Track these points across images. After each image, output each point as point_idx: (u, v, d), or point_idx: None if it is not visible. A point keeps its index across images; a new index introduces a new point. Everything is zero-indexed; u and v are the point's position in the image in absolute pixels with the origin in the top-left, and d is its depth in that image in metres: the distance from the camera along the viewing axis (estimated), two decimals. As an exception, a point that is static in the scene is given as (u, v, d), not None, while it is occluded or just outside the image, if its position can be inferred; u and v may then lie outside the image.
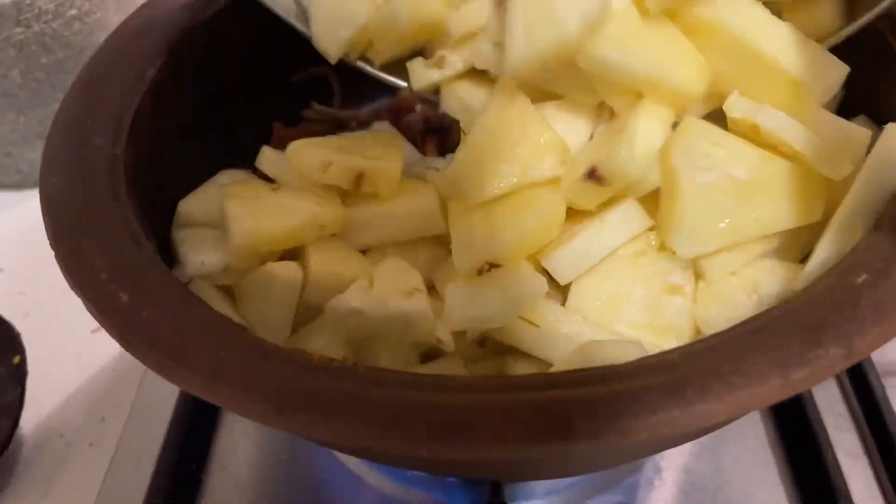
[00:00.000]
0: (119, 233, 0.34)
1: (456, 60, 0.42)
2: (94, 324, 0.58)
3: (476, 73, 0.42)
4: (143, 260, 0.33)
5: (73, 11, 0.64)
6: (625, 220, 0.35)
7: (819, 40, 0.37)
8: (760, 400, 0.25)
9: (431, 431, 0.25)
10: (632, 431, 0.25)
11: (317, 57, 0.49)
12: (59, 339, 0.58)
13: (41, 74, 0.65)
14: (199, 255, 0.39)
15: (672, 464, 0.48)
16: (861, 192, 0.32)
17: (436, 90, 0.44)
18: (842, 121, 0.35)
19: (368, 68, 0.45)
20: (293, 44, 0.47)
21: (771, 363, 0.26)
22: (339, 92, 0.58)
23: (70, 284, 0.32)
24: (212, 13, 0.47)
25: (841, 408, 0.50)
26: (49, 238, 0.34)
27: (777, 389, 0.25)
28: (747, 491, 0.47)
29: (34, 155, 0.71)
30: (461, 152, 0.36)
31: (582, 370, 0.27)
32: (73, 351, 0.58)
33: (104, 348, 0.58)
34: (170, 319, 0.30)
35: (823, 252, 0.32)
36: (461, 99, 0.41)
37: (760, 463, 0.48)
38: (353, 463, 0.50)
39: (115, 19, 0.70)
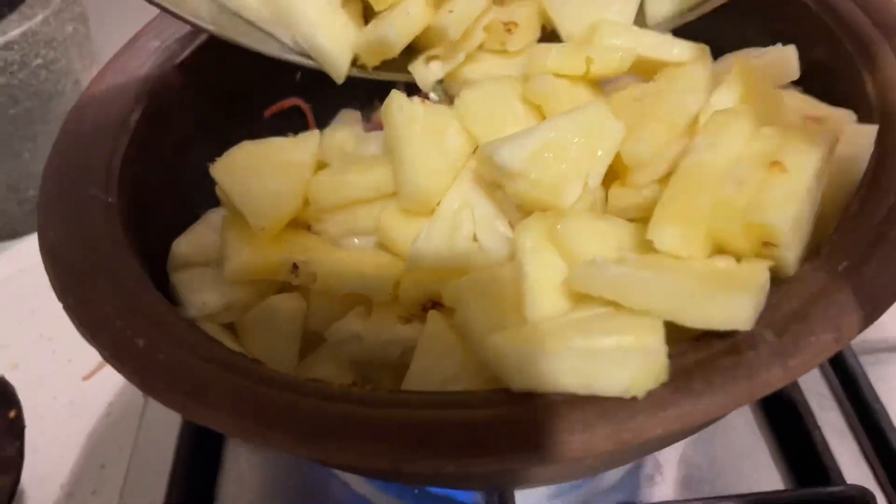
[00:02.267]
0: (125, 279, 0.35)
1: (459, 55, 0.43)
2: (86, 371, 0.59)
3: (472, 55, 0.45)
4: (151, 303, 0.34)
5: (39, 60, 0.64)
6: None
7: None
8: (764, 390, 0.27)
9: (459, 448, 0.26)
10: (644, 430, 0.27)
11: (288, 86, 0.51)
12: (51, 390, 0.58)
13: (10, 127, 0.65)
14: (200, 296, 0.39)
15: (671, 458, 0.50)
16: (831, 189, 0.34)
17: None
18: None
19: (367, 74, 0.46)
20: (267, 76, 0.49)
21: (770, 353, 0.27)
22: (311, 117, 0.59)
23: (83, 335, 0.32)
24: (187, 54, 0.48)
25: (823, 388, 0.52)
26: (56, 290, 0.34)
27: (777, 378, 0.27)
28: (744, 477, 0.49)
29: (6, 207, 0.70)
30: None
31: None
32: (65, 400, 0.58)
33: (97, 395, 0.58)
34: (187, 360, 0.30)
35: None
36: (467, 81, 0.43)
37: (753, 449, 0.50)
38: (365, 489, 0.50)
39: (79, 66, 0.70)
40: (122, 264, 0.35)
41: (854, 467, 0.48)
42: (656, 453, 0.50)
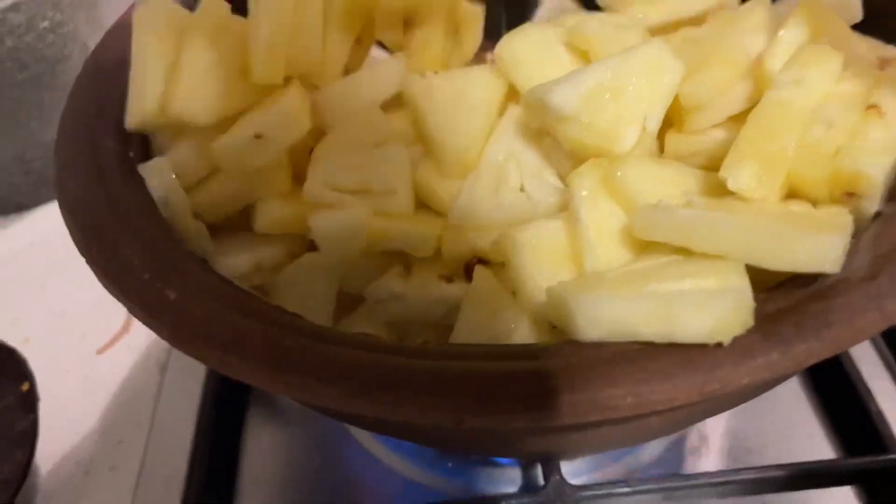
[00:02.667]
0: (150, 233, 0.32)
1: None
2: (99, 344, 0.57)
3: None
4: (180, 257, 0.31)
5: (45, 23, 0.62)
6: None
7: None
8: (861, 335, 0.25)
9: (530, 399, 0.24)
10: (731, 379, 0.24)
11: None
12: (64, 364, 0.56)
13: (17, 93, 0.62)
14: (229, 257, 0.37)
15: (716, 430, 0.48)
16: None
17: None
18: None
19: None
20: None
21: (865, 296, 0.25)
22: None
23: (109, 289, 0.30)
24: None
25: (873, 356, 0.50)
26: (78, 245, 0.31)
27: (875, 323, 0.25)
28: (793, 448, 0.47)
29: (13, 179, 0.68)
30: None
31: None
32: (79, 374, 0.55)
33: (112, 369, 0.56)
34: (223, 313, 0.28)
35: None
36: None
37: (802, 419, 0.48)
38: (389, 458, 0.48)
39: (86, 30, 0.67)
40: (147, 219, 0.33)
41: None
42: (701, 424, 0.48)
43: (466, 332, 0.32)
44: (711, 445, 0.47)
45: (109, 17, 0.69)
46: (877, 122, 0.29)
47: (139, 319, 0.29)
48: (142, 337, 0.57)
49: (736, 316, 0.24)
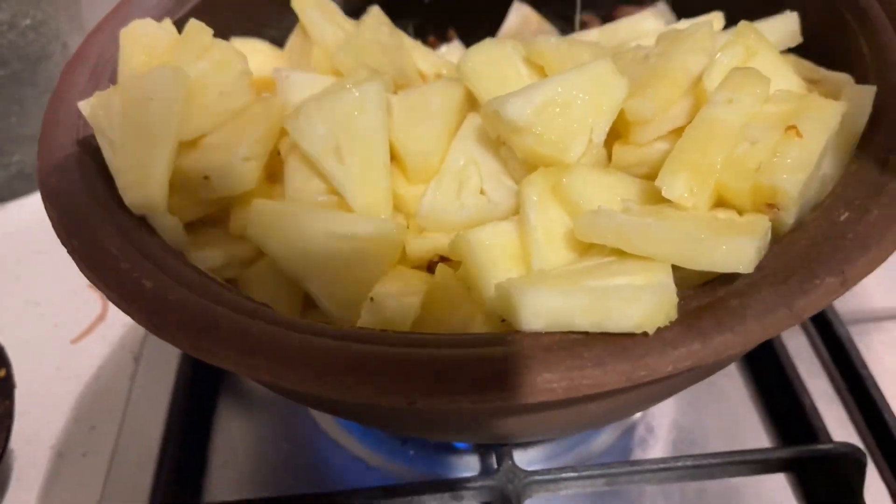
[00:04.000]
0: (128, 222, 0.34)
1: None
2: (74, 334, 0.59)
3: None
4: (157, 248, 0.34)
5: (28, 21, 0.63)
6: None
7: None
8: (771, 330, 0.28)
9: (476, 382, 0.27)
10: (656, 367, 0.27)
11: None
12: (38, 353, 0.57)
13: (-2, 89, 0.64)
14: (202, 251, 0.39)
15: (662, 423, 0.51)
16: (832, 144, 0.35)
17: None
18: None
19: None
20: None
21: (776, 295, 0.28)
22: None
23: (88, 276, 0.32)
24: (183, 13, 0.47)
25: (811, 357, 0.54)
26: (59, 233, 0.34)
27: (784, 319, 0.28)
28: (734, 439, 0.50)
29: (-9, 171, 0.69)
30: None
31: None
32: (53, 364, 0.57)
33: (86, 359, 0.57)
34: (197, 301, 0.30)
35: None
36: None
37: (743, 414, 0.51)
38: (354, 446, 0.50)
39: (67, 28, 0.69)
40: (126, 212, 0.35)
41: (841, 431, 0.49)
42: (648, 418, 0.51)
43: (428, 326, 0.34)
44: (658, 436, 0.50)
45: (90, 18, 0.71)
46: (795, 141, 0.32)
47: (117, 306, 0.31)
48: (116, 327, 0.59)
49: (661, 308, 0.27)
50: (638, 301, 0.27)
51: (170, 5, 0.48)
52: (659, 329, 0.27)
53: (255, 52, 0.48)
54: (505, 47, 0.41)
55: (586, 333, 0.28)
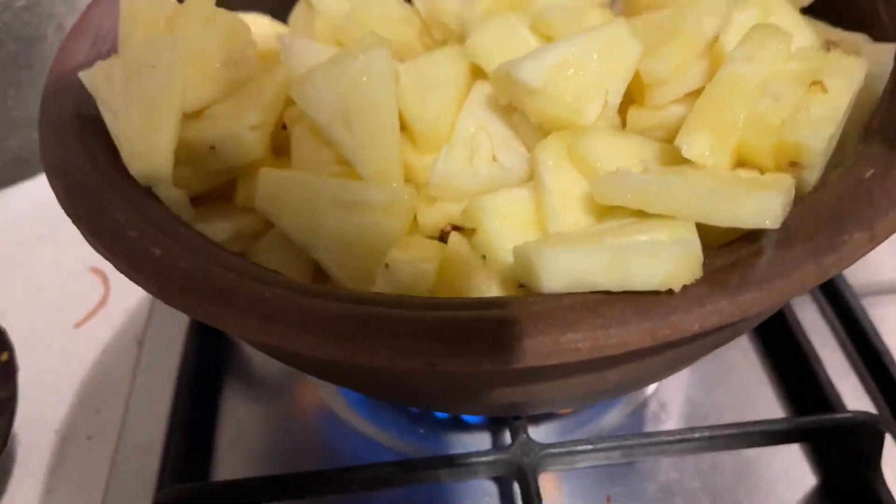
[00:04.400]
0: (133, 192, 0.34)
1: None
2: (77, 318, 0.58)
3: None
4: (164, 217, 0.33)
5: (22, 2, 0.62)
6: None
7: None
8: (799, 286, 0.27)
9: (496, 343, 0.26)
10: (682, 325, 0.26)
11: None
12: (41, 337, 0.57)
13: (-6, 70, 0.63)
14: (209, 224, 0.38)
15: (675, 398, 0.50)
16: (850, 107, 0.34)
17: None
18: None
19: None
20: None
21: (804, 252, 0.27)
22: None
23: (95, 246, 0.31)
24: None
25: (825, 329, 0.53)
26: (64, 204, 0.33)
27: (812, 275, 0.27)
28: (748, 413, 0.49)
29: (-11, 156, 0.68)
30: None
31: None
32: (56, 347, 0.56)
33: (89, 342, 0.57)
34: (208, 268, 0.30)
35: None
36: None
37: (756, 388, 0.51)
38: (363, 426, 0.50)
39: (62, 10, 0.68)
40: (131, 181, 0.34)
41: (857, 402, 0.49)
42: (660, 393, 0.50)
43: (443, 294, 0.34)
44: (670, 412, 0.50)
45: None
46: (819, 97, 0.31)
47: (126, 275, 0.30)
48: (119, 311, 0.58)
49: (686, 265, 0.27)
50: (662, 257, 0.26)
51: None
52: (684, 287, 0.27)
53: (257, 25, 0.47)
54: (509, 19, 0.40)
55: (609, 293, 0.27)
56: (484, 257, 0.34)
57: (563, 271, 0.28)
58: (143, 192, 0.34)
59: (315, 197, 0.35)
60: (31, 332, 0.56)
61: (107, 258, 0.31)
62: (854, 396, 0.49)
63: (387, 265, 0.33)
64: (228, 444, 0.50)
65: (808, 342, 0.50)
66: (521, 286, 0.32)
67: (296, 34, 0.48)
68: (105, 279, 0.61)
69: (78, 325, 0.58)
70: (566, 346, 0.26)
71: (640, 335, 0.26)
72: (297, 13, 0.49)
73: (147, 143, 0.34)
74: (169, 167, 0.34)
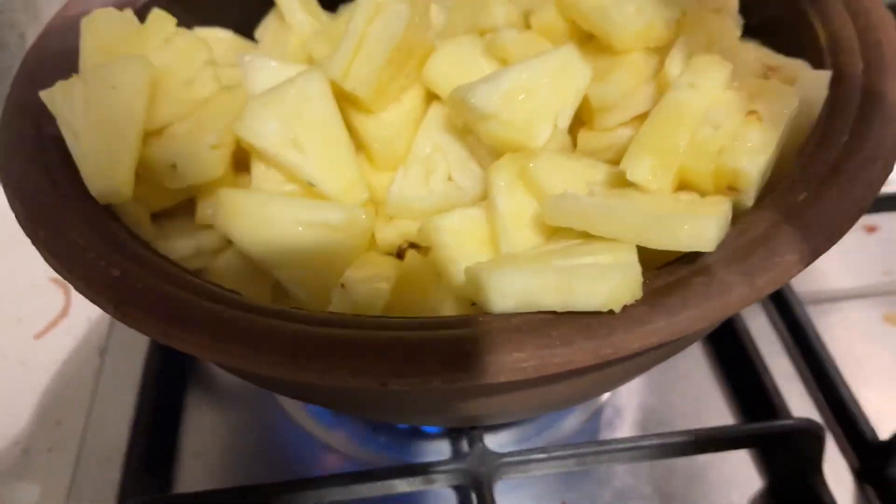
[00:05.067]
0: (92, 212, 0.34)
1: None
2: (37, 329, 0.58)
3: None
4: (123, 238, 0.33)
5: (-18, 11, 0.62)
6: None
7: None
8: (734, 306, 0.28)
9: (446, 362, 0.27)
10: (623, 344, 0.28)
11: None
12: (1, 348, 0.56)
13: (-47, 79, 0.62)
14: (169, 241, 0.39)
15: (629, 405, 0.52)
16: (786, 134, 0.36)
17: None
18: None
19: None
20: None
21: (738, 272, 0.29)
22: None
23: (55, 267, 0.31)
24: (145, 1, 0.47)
25: (772, 337, 0.55)
26: (23, 224, 0.33)
27: (746, 295, 0.29)
28: (700, 418, 0.51)
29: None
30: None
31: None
32: (16, 359, 0.56)
33: (50, 354, 0.56)
34: (166, 289, 0.30)
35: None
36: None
37: (707, 394, 0.53)
38: (324, 434, 0.51)
39: (23, 18, 0.67)
40: (90, 202, 0.35)
41: (801, 408, 0.51)
42: (615, 399, 0.52)
43: (398, 311, 0.35)
44: (625, 418, 0.51)
45: (47, 8, 0.70)
46: (755, 126, 0.33)
47: (85, 296, 0.31)
48: (81, 321, 0.58)
49: (626, 286, 0.28)
50: (604, 279, 0.28)
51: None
52: (625, 307, 0.28)
53: (219, 42, 0.48)
54: (463, 44, 0.41)
55: (555, 313, 0.28)
56: (439, 275, 0.35)
57: (511, 292, 0.29)
58: (103, 211, 0.34)
59: (273, 216, 0.36)
60: (-9, 344, 0.56)
61: (66, 279, 0.31)
62: (800, 402, 0.51)
63: (342, 285, 0.34)
64: (191, 454, 0.51)
65: (757, 350, 0.52)
66: (474, 304, 0.34)
67: (264, 50, 0.49)
68: (66, 289, 0.61)
69: (38, 335, 0.58)
70: (513, 366, 0.27)
71: (584, 354, 0.28)
72: (265, 28, 0.49)
73: (107, 163, 0.35)
74: (129, 188, 0.35)
